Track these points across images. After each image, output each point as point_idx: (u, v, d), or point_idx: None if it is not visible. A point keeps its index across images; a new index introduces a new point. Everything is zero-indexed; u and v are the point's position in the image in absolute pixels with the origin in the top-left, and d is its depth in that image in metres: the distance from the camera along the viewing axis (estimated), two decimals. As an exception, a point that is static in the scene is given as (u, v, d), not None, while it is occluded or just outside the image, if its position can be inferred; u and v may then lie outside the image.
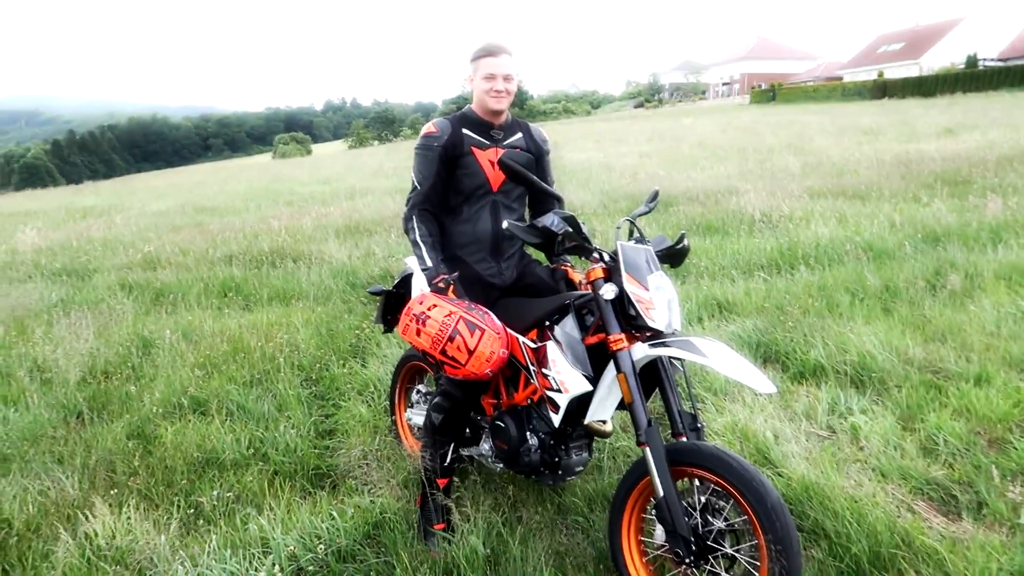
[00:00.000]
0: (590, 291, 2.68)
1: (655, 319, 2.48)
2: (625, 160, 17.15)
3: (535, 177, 2.64)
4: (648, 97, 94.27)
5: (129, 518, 3.01)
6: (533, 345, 2.80)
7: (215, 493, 3.32)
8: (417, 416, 3.60)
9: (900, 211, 7.84)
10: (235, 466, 3.64)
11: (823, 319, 5.02)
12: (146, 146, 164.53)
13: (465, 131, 3.06)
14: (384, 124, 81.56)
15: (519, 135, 3.16)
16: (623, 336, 2.50)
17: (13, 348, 5.28)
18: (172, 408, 4.31)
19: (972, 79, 44.74)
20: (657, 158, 17.47)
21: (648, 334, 2.54)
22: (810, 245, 6.81)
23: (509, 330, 2.90)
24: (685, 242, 2.95)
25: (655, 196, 3.07)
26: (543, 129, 3.29)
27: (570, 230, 2.46)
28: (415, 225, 3.06)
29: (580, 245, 2.53)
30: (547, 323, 2.82)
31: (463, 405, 3.03)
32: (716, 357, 2.34)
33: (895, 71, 60.88)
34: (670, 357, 2.56)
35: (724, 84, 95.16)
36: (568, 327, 2.72)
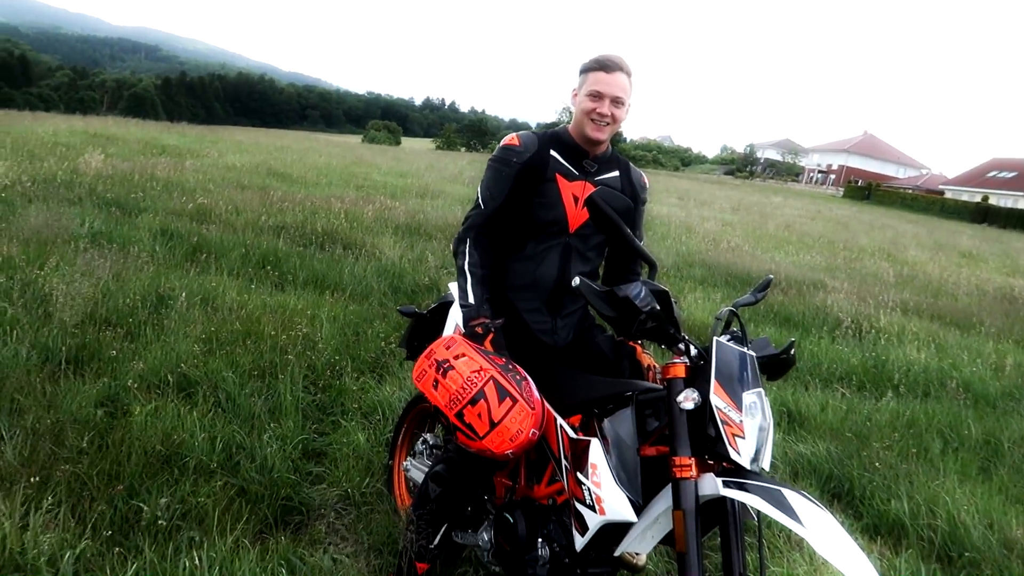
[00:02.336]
0: (662, 387, 2.07)
1: (740, 450, 1.86)
2: (707, 224, 16.41)
3: (628, 230, 2.05)
4: (740, 167, 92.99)
5: (45, 512, 2.50)
6: (573, 434, 2.19)
7: (163, 502, 2.79)
8: (416, 470, 3.02)
9: (1010, 354, 6.97)
10: (198, 472, 3.11)
11: (909, 463, 4.27)
12: (248, 102, 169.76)
13: (553, 153, 2.50)
14: (475, 133, 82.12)
15: (616, 173, 2.58)
16: (692, 462, 1.89)
17: (18, 273, 4.89)
18: (158, 382, 3.82)
19: (1084, 224, 42.54)
20: (740, 230, 16.68)
21: (725, 464, 1.92)
22: (901, 368, 6.03)
23: (548, 405, 2.31)
24: (792, 352, 2.32)
25: (767, 284, 2.44)
26: (644, 174, 2.70)
27: (658, 309, 1.85)
28: (467, 250, 2.51)
29: (665, 331, 1.92)
30: (596, 411, 2.22)
31: (469, 484, 2.43)
32: (816, 529, 1.70)
33: (1002, 200, 58.47)
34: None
35: (820, 171, 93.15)
36: (622, 426, 2.11)
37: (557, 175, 2.48)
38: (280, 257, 6.91)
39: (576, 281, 1.88)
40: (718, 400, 1.88)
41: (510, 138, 2.54)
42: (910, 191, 65.54)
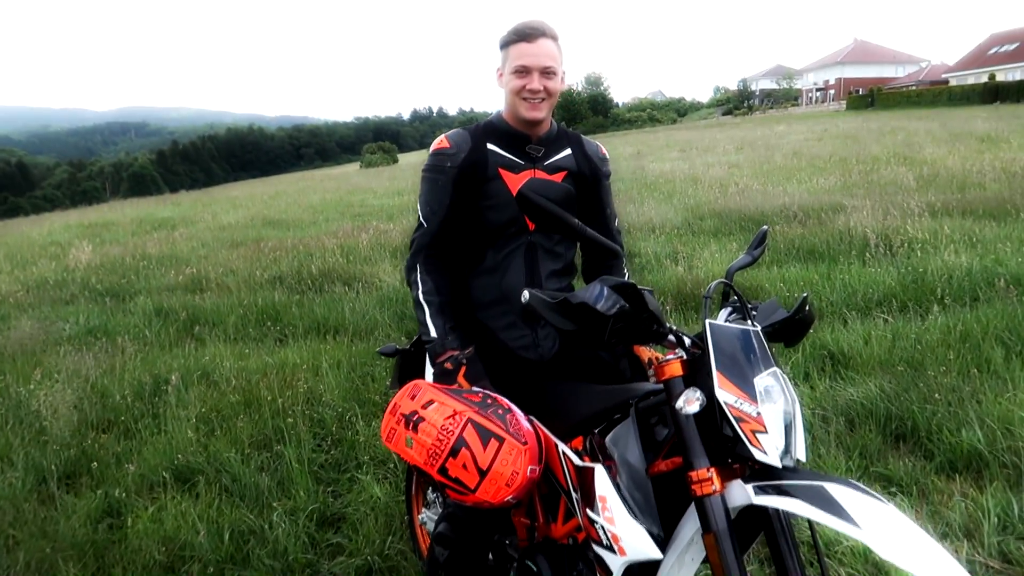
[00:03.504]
0: (656, 376, 1.76)
1: (766, 447, 1.54)
2: (713, 171, 15.92)
3: (574, 220, 1.72)
4: (737, 104, 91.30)
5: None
6: (577, 460, 1.89)
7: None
8: (431, 519, 2.74)
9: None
10: (206, 573, 2.86)
11: (972, 382, 3.89)
12: (243, 155, 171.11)
13: (491, 147, 2.19)
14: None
15: (567, 152, 2.26)
16: (713, 473, 1.58)
17: (9, 391, 4.70)
18: (157, 481, 3.59)
19: (1099, 80, 40.93)
20: (748, 169, 16.16)
21: (752, 464, 1.61)
22: (942, 277, 5.61)
23: (545, 431, 2.01)
24: (808, 308, 1.99)
25: (762, 239, 2.11)
26: (600, 144, 2.37)
27: (626, 307, 1.54)
28: (419, 278, 2.21)
29: (643, 328, 1.60)
30: (596, 429, 1.92)
31: (478, 538, 2.14)
32: (874, 528, 1.38)
33: (1009, 74, 56.55)
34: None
35: (818, 90, 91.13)
36: (626, 442, 1.80)
37: (500, 170, 2.18)
38: (279, 310, 6.69)
39: (525, 296, 1.57)
40: (725, 395, 1.57)
41: (438, 141, 2.24)
42: (913, 88, 63.80)
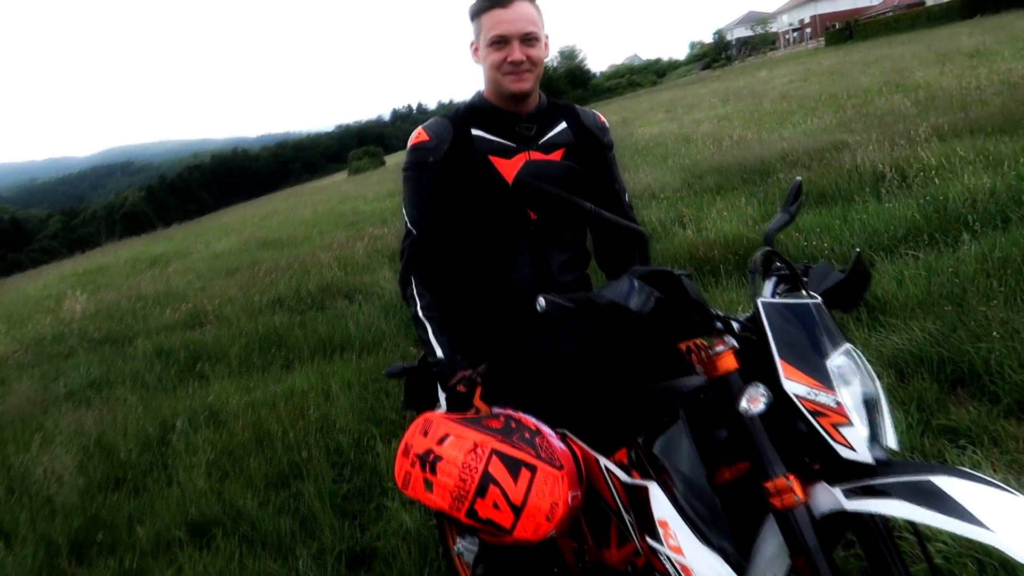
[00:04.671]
0: (707, 373, 1.50)
1: (853, 443, 1.29)
2: (703, 128, 15.56)
3: (584, 202, 1.45)
4: (715, 57, 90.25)
5: None
6: (624, 476, 1.64)
7: None
8: (470, 552, 2.49)
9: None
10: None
11: (1020, 307, 3.62)
12: (231, 180, 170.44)
13: (476, 132, 1.93)
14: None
15: (563, 125, 2.00)
16: (793, 481, 1.32)
17: (10, 462, 4.48)
18: (173, 540, 3.35)
19: (1079, -21, 40.06)
20: (738, 120, 15.79)
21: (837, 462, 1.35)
22: (965, 203, 5.31)
23: (582, 445, 1.76)
24: (862, 266, 1.72)
25: (798, 192, 1.84)
26: (598, 112, 2.10)
27: (664, 300, 1.27)
28: (415, 292, 1.95)
29: (687, 322, 1.34)
30: (640, 439, 1.66)
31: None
32: (1008, 527, 1.13)
33: (985, -15, 55.59)
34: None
35: (794, 31, 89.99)
36: (679, 451, 1.53)
37: (490, 157, 1.91)
38: (281, 334, 6.45)
39: (540, 304, 1.30)
40: (795, 386, 1.31)
41: (416, 134, 1.97)
42: (890, 14, 62.86)
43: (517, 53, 1.82)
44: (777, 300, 1.40)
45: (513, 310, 1.97)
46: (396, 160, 59.60)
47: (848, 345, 1.38)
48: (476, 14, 1.88)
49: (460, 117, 1.97)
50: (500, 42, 1.83)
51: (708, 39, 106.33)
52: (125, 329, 8.03)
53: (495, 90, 1.92)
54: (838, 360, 1.35)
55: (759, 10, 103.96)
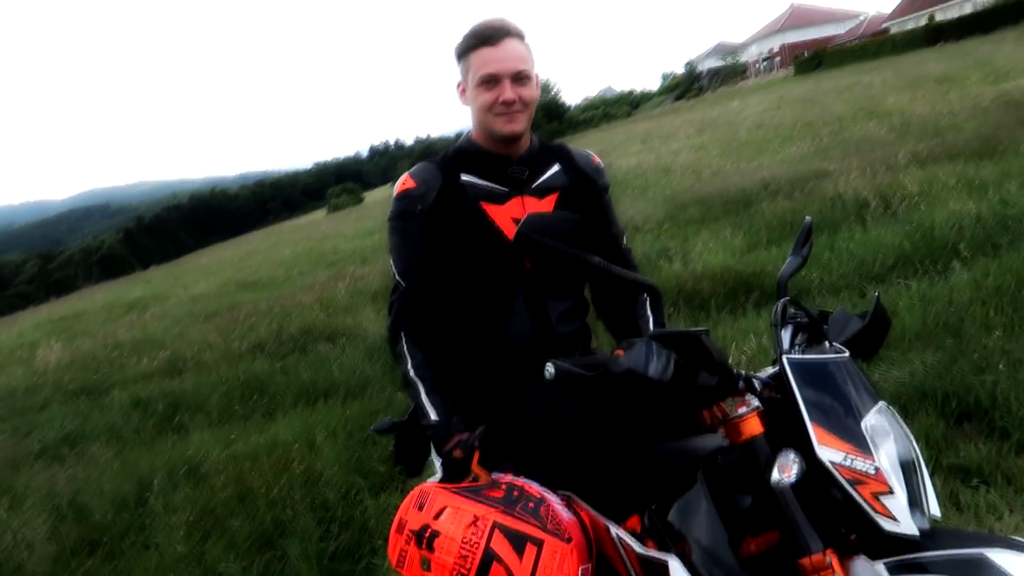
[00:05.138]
0: (729, 438, 1.39)
1: (896, 513, 1.17)
2: (681, 158, 15.64)
3: (593, 256, 1.34)
4: (687, 87, 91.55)
5: None
6: (639, 547, 1.51)
7: None
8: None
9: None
10: None
11: (1020, 335, 3.56)
12: (209, 220, 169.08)
13: (466, 177, 1.83)
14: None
15: (556, 168, 1.90)
16: (831, 557, 1.20)
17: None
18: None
19: (1036, 6, 41.23)
20: (716, 149, 15.90)
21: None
22: (951, 229, 5.29)
23: (591, 511, 1.63)
24: (882, 310, 1.62)
25: (808, 234, 1.75)
26: (592, 153, 2.01)
27: (682, 363, 1.16)
28: (405, 350, 1.83)
29: (709, 388, 1.23)
30: (653, 506, 1.54)
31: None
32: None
33: (947, 12, 57.10)
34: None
35: (764, 60, 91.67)
36: (699, 520, 1.41)
37: (482, 203, 1.81)
38: (263, 380, 6.26)
39: (550, 371, 1.18)
40: (830, 453, 1.20)
41: (402, 181, 1.86)
42: (856, 42, 64.27)
43: (508, 92, 1.73)
44: (804, 356, 1.30)
45: (510, 364, 1.85)
46: (374, 197, 59.59)
47: (882, 403, 1.28)
48: (463, 53, 1.79)
49: (448, 162, 1.87)
50: (490, 81, 1.74)
51: (680, 70, 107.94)
52: (101, 379, 7.79)
53: (485, 132, 1.82)
54: (872, 420, 1.24)
55: (728, 41, 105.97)
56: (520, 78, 1.75)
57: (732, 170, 11.15)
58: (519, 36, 1.77)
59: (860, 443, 1.20)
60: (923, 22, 54.64)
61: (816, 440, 1.20)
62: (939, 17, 54.10)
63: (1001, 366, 3.26)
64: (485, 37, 1.74)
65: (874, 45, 53.79)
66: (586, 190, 1.92)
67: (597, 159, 1.99)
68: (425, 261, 1.82)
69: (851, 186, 7.17)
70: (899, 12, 69.58)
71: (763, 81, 68.62)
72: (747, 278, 5.34)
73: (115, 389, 7.17)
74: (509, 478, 1.63)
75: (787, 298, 1.47)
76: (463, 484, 1.64)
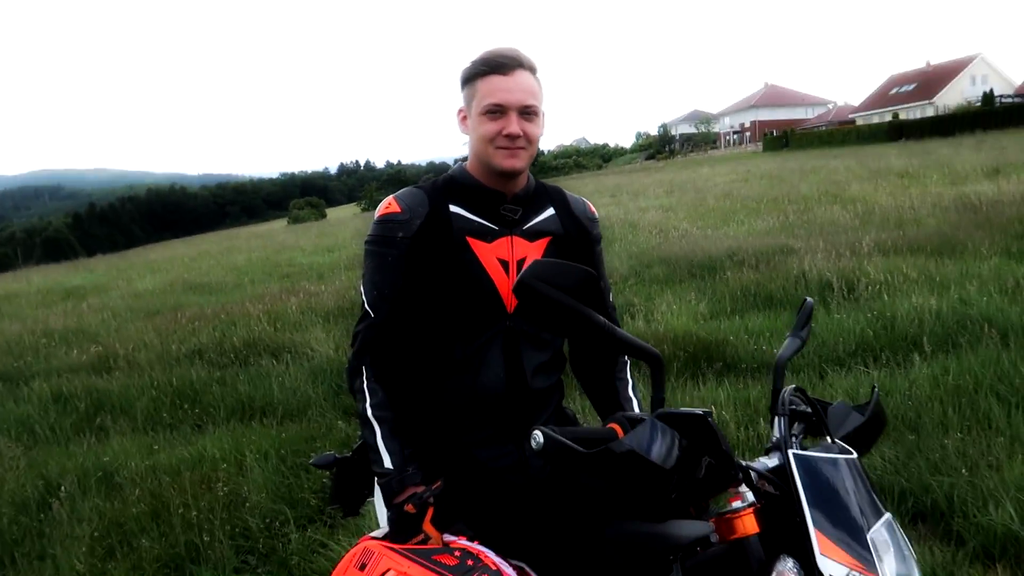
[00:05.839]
0: (711, 526, 1.25)
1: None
2: (648, 216, 15.80)
3: (596, 315, 1.21)
4: (659, 148, 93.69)
5: None
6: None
7: None
8: None
9: (1008, 272, 6.37)
10: None
11: (979, 443, 3.53)
12: (165, 216, 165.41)
13: (455, 209, 1.69)
14: (397, 186, 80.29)
15: (550, 211, 1.78)
16: None
17: None
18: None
19: (991, 117, 43.47)
20: (683, 212, 16.12)
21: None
22: (912, 322, 5.33)
23: None
24: (877, 402, 1.52)
25: (808, 314, 1.65)
26: (588, 202, 1.89)
27: (689, 449, 1.04)
28: (365, 386, 1.67)
29: (713, 478, 1.11)
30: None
31: None
32: None
33: (910, 112, 59.68)
34: None
35: (735, 133, 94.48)
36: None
37: (468, 239, 1.67)
38: (197, 389, 5.94)
39: (537, 440, 1.04)
40: (834, 567, 1.07)
41: (386, 204, 1.71)
42: (824, 128, 66.71)
43: (514, 126, 1.61)
44: (812, 453, 1.18)
45: (475, 415, 1.70)
46: (337, 215, 59.08)
47: (888, 515, 1.17)
48: (471, 78, 1.66)
49: (438, 190, 1.73)
50: (496, 112, 1.61)
51: (654, 131, 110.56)
52: (24, 367, 7.34)
53: (482, 164, 1.69)
54: (878, 534, 1.13)
55: (704, 110, 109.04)
56: (528, 113, 1.63)
57: (699, 235, 11.26)
58: (532, 69, 1.66)
59: (865, 559, 1.08)
60: (887, 118, 57.09)
61: (819, 550, 1.08)
62: (903, 115, 56.59)
63: (963, 470, 3.21)
64: (497, 65, 1.62)
65: (840, 133, 55.96)
66: (579, 239, 1.80)
67: (593, 208, 1.88)
68: (399, 293, 1.67)
69: (816, 266, 7.24)
70: (866, 105, 72.64)
71: (732, 152, 70.67)
72: (708, 345, 5.28)
73: (37, 379, 6.74)
74: (463, 542, 1.47)
75: (793, 387, 1.35)
76: (411, 544, 1.48)
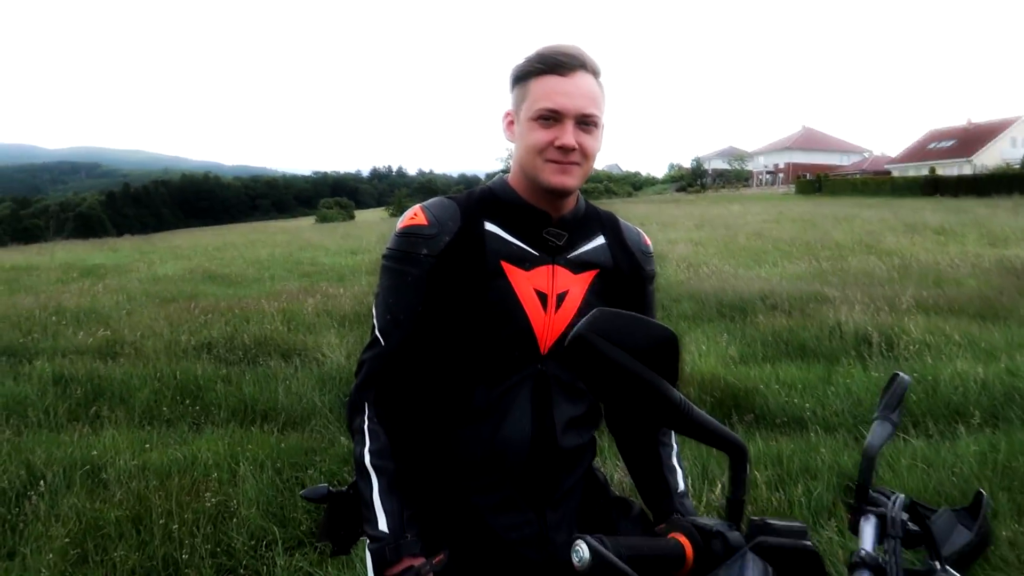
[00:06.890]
0: None
1: None
2: (677, 249, 15.50)
3: (674, 391, 0.94)
4: (691, 181, 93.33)
5: None
6: None
7: None
8: None
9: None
10: None
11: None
12: (196, 202, 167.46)
13: (491, 228, 1.44)
14: (426, 195, 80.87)
15: (600, 240, 1.52)
16: None
17: None
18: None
19: (1029, 180, 42.69)
20: (713, 248, 15.81)
21: None
22: (956, 390, 5.01)
23: None
24: (985, 518, 1.25)
25: (902, 396, 1.37)
26: (643, 233, 1.64)
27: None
28: (365, 427, 1.43)
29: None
30: None
31: None
32: None
33: (947, 168, 58.89)
34: None
35: (768, 172, 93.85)
36: None
37: (503, 263, 1.42)
38: (201, 385, 5.74)
39: (581, 555, 0.79)
40: None
41: (411, 214, 1.47)
42: (858, 176, 66.03)
43: (569, 137, 1.36)
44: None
45: (491, 473, 1.44)
46: (365, 217, 59.20)
47: None
48: (523, 77, 1.42)
49: (473, 204, 1.48)
50: (549, 118, 1.37)
51: (687, 164, 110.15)
52: (29, 344, 7.19)
53: (527, 179, 1.44)
54: None
55: (739, 147, 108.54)
56: (586, 123, 1.39)
57: (730, 273, 10.95)
58: (595, 73, 1.41)
59: None
60: (923, 171, 56.36)
61: None
62: (940, 171, 55.82)
63: (1016, 561, 2.90)
64: (555, 64, 1.37)
65: (874, 183, 55.26)
66: (630, 275, 1.54)
67: (648, 241, 1.63)
68: (416, 320, 1.42)
69: (853, 318, 6.92)
70: (903, 157, 71.88)
71: (764, 192, 70.08)
72: (737, 393, 4.99)
73: (40, 358, 6.58)
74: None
75: (903, 497, 1.09)
76: (402, 628, 1.22)
